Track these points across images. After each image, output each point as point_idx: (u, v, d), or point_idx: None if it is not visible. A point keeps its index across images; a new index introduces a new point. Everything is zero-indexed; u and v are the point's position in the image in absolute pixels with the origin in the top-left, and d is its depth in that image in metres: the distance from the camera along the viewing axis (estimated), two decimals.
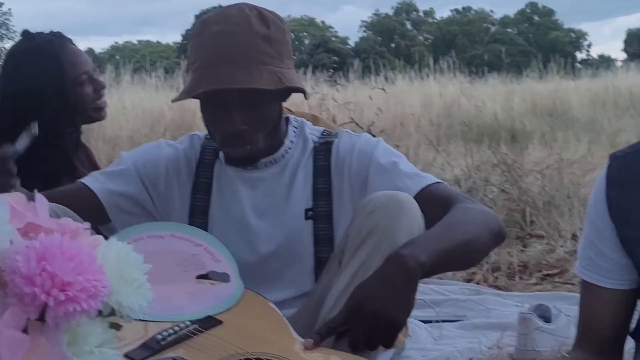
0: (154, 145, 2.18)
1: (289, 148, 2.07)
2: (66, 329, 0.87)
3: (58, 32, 2.76)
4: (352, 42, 57.53)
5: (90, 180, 2.07)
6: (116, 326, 0.96)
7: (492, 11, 65.99)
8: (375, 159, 2.00)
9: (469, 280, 3.91)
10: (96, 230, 1.94)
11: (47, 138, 2.33)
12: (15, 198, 0.94)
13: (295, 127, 2.10)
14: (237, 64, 1.89)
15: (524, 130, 10.03)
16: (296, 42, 58.41)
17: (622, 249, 1.53)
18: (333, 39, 58.06)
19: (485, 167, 6.15)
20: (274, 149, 2.05)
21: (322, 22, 62.25)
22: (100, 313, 0.93)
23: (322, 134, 2.11)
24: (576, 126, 10.11)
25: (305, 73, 14.10)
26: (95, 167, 2.73)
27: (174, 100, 2.09)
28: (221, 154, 2.07)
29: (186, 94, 1.96)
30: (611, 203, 1.54)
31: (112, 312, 0.96)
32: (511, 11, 66.62)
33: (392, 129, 9.52)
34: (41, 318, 0.84)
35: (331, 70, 13.50)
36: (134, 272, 0.98)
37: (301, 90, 2.04)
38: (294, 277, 2.03)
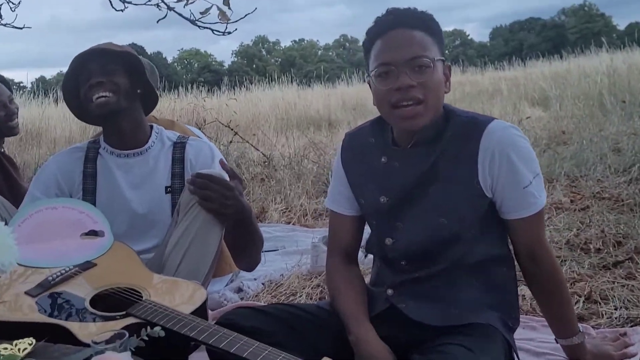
0: (42, 169, 2.11)
1: (151, 146, 2.05)
2: None
3: None
4: (226, 65, 56.58)
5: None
6: None
7: (318, 41, 67.28)
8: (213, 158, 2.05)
9: (287, 222, 3.93)
10: None
11: None
12: None
13: (157, 132, 2.10)
14: None
15: (337, 119, 10.19)
16: (188, 66, 57.17)
17: (349, 186, 1.63)
18: (213, 63, 56.89)
19: (305, 147, 6.25)
20: (141, 144, 2.04)
21: (205, 51, 60.66)
22: None
23: (178, 137, 2.11)
24: (371, 115, 10.17)
25: (192, 87, 13.78)
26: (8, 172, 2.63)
27: None
28: (102, 150, 2.06)
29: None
30: (343, 161, 1.65)
31: None
32: (330, 40, 68.05)
33: (248, 123, 9.48)
34: None
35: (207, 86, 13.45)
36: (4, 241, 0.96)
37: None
38: (156, 233, 2.01)
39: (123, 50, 1.98)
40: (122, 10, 4.02)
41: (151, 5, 4.03)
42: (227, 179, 1.83)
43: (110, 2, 3.93)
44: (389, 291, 1.56)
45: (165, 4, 3.94)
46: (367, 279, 1.71)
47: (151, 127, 2.11)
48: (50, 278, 1.60)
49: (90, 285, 1.59)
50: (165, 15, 3.89)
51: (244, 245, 1.97)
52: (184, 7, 3.87)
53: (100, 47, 1.96)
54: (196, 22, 3.89)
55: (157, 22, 3.98)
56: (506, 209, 1.48)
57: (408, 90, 1.41)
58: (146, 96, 2.07)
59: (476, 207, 1.47)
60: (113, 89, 1.92)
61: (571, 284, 2.22)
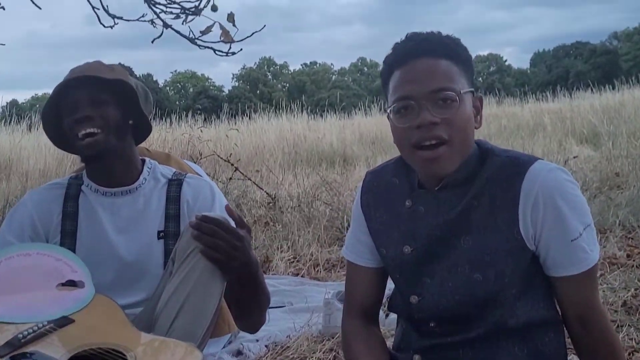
0: (16, 207, 2.12)
1: (142, 183, 2.07)
2: None
3: None
4: (226, 90, 57.45)
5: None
6: None
7: (332, 64, 68.50)
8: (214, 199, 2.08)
9: (296, 274, 3.92)
10: None
11: None
12: None
13: (149, 168, 2.12)
14: None
15: (353, 155, 10.25)
16: (182, 91, 58.15)
17: (369, 234, 1.63)
18: (211, 87, 57.78)
19: (317, 186, 6.28)
20: (130, 182, 2.06)
21: (203, 74, 61.76)
22: None
23: (174, 173, 2.14)
24: (392, 151, 10.30)
25: (187, 116, 14.02)
26: None
27: None
28: (84, 187, 2.07)
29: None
30: (363, 204, 1.65)
31: None
32: (347, 64, 69.22)
33: (250, 157, 9.56)
34: None
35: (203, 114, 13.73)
36: None
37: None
38: (145, 284, 2.01)
39: (115, 78, 2.00)
40: (111, 27, 4.09)
41: (144, 21, 4.10)
42: (234, 226, 1.84)
43: (98, 17, 4.00)
44: (416, 357, 1.54)
45: (162, 20, 4.01)
46: (389, 343, 1.70)
47: (143, 161, 2.13)
48: (20, 335, 1.59)
49: (67, 345, 1.58)
50: (162, 34, 3.94)
51: (247, 303, 1.97)
52: (182, 24, 3.94)
53: (89, 71, 1.99)
54: (196, 40, 3.95)
55: (152, 41, 4.04)
56: (551, 265, 1.46)
57: (430, 128, 1.41)
58: (138, 126, 2.10)
59: (516, 261, 1.46)
60: (101, 124, 1.94)
61: (629, 354, 2.19)
